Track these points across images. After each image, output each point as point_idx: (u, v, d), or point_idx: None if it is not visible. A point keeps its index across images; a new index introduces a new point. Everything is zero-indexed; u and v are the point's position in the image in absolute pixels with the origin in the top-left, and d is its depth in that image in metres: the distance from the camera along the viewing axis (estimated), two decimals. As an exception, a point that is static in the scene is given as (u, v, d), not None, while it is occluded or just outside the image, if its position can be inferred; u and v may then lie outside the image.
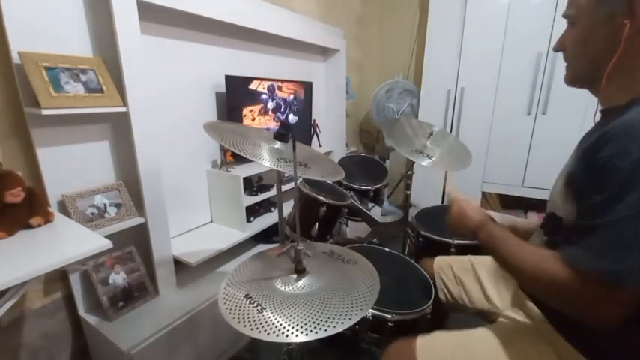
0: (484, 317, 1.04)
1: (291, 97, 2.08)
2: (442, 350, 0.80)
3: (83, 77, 1.09)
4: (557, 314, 0.73)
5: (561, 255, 0.59)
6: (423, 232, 1.44)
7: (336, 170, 1.07)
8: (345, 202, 1.48)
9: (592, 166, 0.58)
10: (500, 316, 0.91)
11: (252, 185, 1.78)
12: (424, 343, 0.82)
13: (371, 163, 2.07)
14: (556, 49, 0.75)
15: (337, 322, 0.65)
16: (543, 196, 2.34)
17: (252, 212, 1.78)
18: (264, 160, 0.85)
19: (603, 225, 0.54)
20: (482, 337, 0.81)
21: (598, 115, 0.74)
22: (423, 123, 1.70)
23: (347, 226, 2.24)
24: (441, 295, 1.11)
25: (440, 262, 1.17)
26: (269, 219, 1.83)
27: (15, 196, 0.85)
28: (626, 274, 0.51)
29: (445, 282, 1.12)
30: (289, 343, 0.98)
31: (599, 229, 0.55)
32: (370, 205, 1.77)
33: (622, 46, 0.60)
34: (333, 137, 2.66)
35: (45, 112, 0.97)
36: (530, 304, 0.84)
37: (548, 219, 0.76)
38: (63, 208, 1.14)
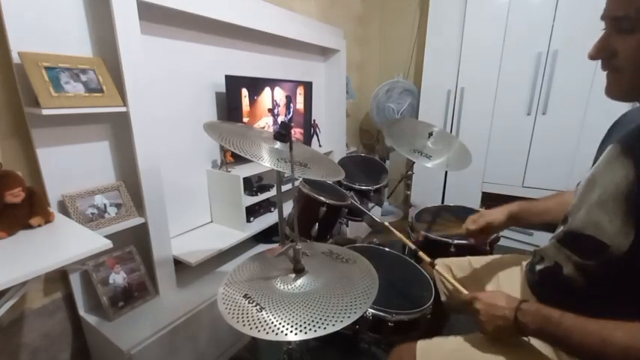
0: None
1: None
2: (441, 355, 0.80)
3: (83, 77, 1.09)
4: None
5: None
6: (422, 232, 1.44)
7: (336, 170, 1.07)
8: (345, 202, 1.48)
9: None
10: None
11: (252, 185, 1.78)
12: (424, 347, 0.82)
13: (371, 163, 2.07)
14: (598, 57, 0.61)
15: (336, 321, 0.65)
16: (544, 195, 2.34)
17: (252, 212, 1.78)
18: (264, 160, 0.85)
19: None
20: (481, 342, 0.80)
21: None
22: (423, 123, 1.70)
23: (347, 226, 2.24)
24: (442, 297, 1.11)
25: (439, 263, 1.17)
26: (269, 219, 1.83)
27: (15, 196, 0.85)
28: None
29: (445, 283, 1.12)
30: (289, 343, 0.98)
31: None
32: (370, 205, 1.77)
33: None
34: (333, 137, 2.66)
35: (45, 112, 0.98)
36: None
37: (583, 240, 0.69)
38: (63, 208, 1.14)
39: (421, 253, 1.05)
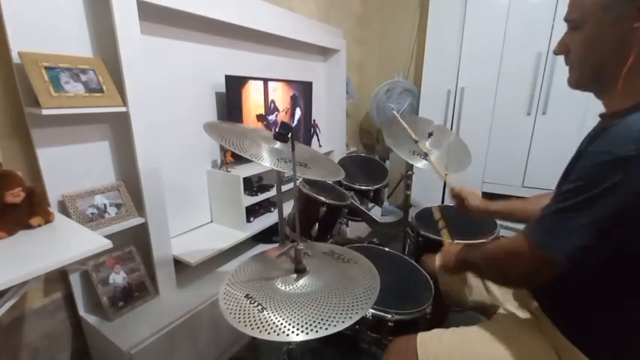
0: (483, 311, 1.05)
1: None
2: (441, 346, 0.81)
3: (83, 77, 1.09)
4: (555, 308, 0.76)
5: (524, 229, 0.67)
6: (422, 232, 1.44)
7: (336, 170, 1.07)
8: (345, 202, 1.48)
9: (577, 157, 0.66)
10: (500, 309, 0.93)
11: (252, 185, 1.78)
12: (424, 339, 0.84)
13: (371, 163, 2.07)
14: (558, 52, 0.74)
15: (337, 322, 0.65)
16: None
17: (252, 212, 1.78)
18: (264, 160, 0.85)
19: (558, 211, 0.62)
20: (480, 333, 0.83)
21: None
22: (423, 119, 1.70)
23: (347, 226, 2.24)
24: (441, 286, 1.13)
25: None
26: (269, 219, 1.83)
27: (15, 196, 0.85)
28: (552, 245, 0.61)
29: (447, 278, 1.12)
30: (289, 343, 0.98)
31: (556, 214, 0.62)
32: (370, 205, 1.77)
33: (636, 49, 0.59)
34: (333, 137, 2.66)
35: (45, 112, 0.97)
36: (529, 298, 0.86)
37: None
38: (63, 208, 1.14)
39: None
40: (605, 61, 0.64)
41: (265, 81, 1.84)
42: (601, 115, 0.71)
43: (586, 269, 0.65)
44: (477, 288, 1.06)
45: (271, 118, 1.94)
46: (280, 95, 1.98)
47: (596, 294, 0.67)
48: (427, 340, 0.83)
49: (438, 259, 1.10)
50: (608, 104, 0.70)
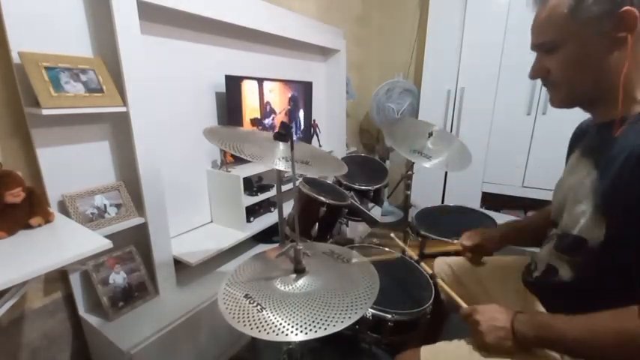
0: None
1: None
2: (447, 358, 0.78)
3: (83, 77, 1.09)
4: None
5: None
6: (423, 232, 1.44)
7: (338, 166, 1.06)
8: (345, 202, 1.48)
9: (629, 180, 0.57)
10: None
11: (252, 185, 1.78)
12: (428, 353, 0.80)
13: (371, 163, 2.07)
14: (535, 77, 0.74)
15: (337, 322, 0.65)
16: (543, 196, 2.34)
17: (252, 212, 1.78)
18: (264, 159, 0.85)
19: None
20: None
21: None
22: (423, 122, 1.70)
23: (347, 226, 2.24)
24: (442, 296, 1.11)
25: (440, 262, 1.17)
26: (269, 219, 1.83)
27: (15, 196, 0.85)
28: None
29: (446, 282, 1.12)
30: (289, 343, 0.98)
31: None
32: (370, 205, 1.77)
33: (629, 55, 0.60)
34: (333, 137, 2.66)
35: (45, 112, 0.97)
36: (537, 303, 0.83)
37: (564, 239, 0.73)
38: (63, 208, 1.14)
39: (423, 264, 1.09)
40: (598, 74, 0.65)
41: (260, 81, 1.82)
42: (607, 124, 0.67)
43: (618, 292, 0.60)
44: (477, 295, 1.03)
45: (267, 121, 1.93)
46: (277, 97, 1.97)
47: None
48: (432, 354, 0.79)
49: (480, 335, 0.73)
50: (604, 114, 0.69)
